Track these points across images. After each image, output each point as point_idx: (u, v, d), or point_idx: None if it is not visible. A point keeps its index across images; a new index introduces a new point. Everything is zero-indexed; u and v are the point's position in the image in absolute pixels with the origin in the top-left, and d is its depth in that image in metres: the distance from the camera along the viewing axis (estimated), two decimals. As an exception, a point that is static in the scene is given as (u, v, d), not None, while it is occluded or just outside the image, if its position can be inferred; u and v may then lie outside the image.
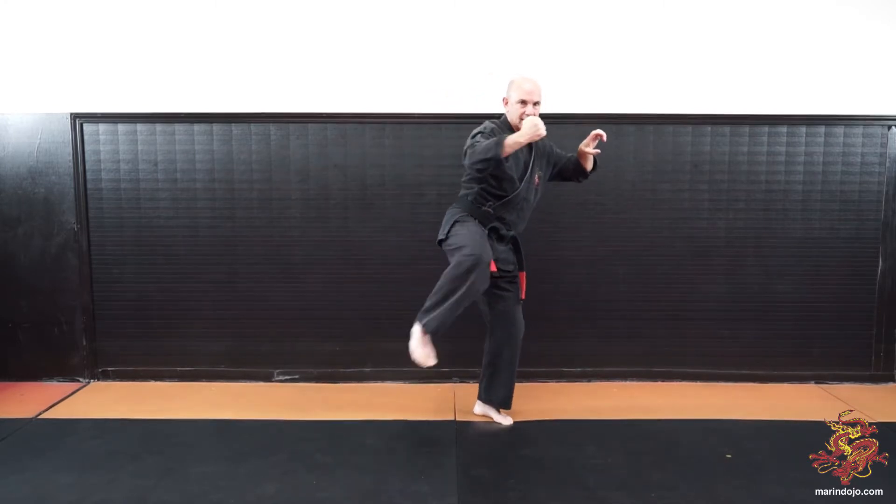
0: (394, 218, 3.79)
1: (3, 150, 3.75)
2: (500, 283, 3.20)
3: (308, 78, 3.71)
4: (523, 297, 3.24)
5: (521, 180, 3.08)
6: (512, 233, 3.17)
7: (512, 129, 3.07)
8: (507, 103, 3.14)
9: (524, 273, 3.25)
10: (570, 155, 3.26)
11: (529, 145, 3.08)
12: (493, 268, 3.04)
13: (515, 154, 3.01)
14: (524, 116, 3.01)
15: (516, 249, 3.23)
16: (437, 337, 3.92)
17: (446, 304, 2.94)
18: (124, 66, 3.71)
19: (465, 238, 3.00)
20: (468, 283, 2.90)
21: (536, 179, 3.17)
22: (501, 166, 2.99)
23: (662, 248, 3.81)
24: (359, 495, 2.55)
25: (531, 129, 2.86)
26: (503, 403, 3.27)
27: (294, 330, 3.85)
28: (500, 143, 2.84)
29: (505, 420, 3.25)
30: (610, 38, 3.70)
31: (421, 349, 2.97)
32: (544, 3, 3.68)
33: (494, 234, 3.12)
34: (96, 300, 3.83)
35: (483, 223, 3.09)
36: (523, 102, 3.04)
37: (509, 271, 3.21)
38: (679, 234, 3.80)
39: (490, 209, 3.10)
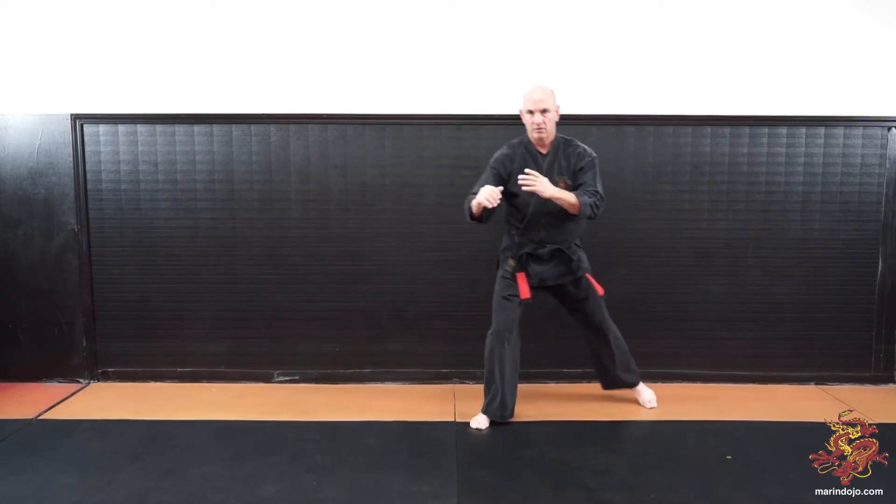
0: (394, 218, 3.79)
1: (3, 150, 3.75)
2: (566, 297, 3.31)
3: (308, 78, 3.71)
4: (601, 292, 3.27)
5: (532, 196, 3.07)
6: (548, 248, 3.17)
7: (532, 143, 3.17)
8: (522, 115, 3.18)
9: (587, 275, 3.26)
10: (581, 184, 3.13)
11: (537, 158, 3.14)
12: (527, 294, 3.16)
13: (523, 171, 3.01)
14: (533, 126, 3.09)
15: (567, 259, 3.20)
16: (440, 338, 3.92)
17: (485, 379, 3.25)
18: (124, 67, 3.71)
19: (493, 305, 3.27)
20: (488, 351, 3.21)
21: (563, 187, 3.08)
22: (509, 194, 3.11)
23: (662, 249, 3.81)
24: (359, 495, 2.55)
25: (481, 194, 2.94)
26: (634, 383, 3.45)
27: (294, 330, 3.85)
28: (468, 210, 3.08)
29: (646, 392, 3.46)
30: (609, 38, 3.71)
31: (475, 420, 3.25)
32: (544, 3, 3.69)
33: (531, 258, 3.19)
34: (96, 301, 3.83)
35: (516, 252, 3.19)
36: (531, 112, 3.09)
37: (566, 283, 3.24)
38: (679, 235, 3.80)
39: (516, 236, 3.20)
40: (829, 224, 3.79)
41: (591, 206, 3.03)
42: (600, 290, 3.27)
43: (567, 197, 3.01)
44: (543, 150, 3.17)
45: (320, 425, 3.22)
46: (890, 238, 3.80)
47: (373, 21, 3.70)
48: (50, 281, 3.81)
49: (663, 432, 3.16)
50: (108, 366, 3.88)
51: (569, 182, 3.12)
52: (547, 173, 3.07)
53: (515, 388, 3.24)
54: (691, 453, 2.93)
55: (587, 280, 3.27)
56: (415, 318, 3.84)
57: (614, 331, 3.36)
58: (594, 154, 3.18)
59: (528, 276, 3.19)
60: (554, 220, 3.14)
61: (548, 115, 3.07)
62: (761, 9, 3.69)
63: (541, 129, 3.09)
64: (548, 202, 3.05)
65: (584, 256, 3.29)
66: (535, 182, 2.94)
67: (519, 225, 3.19)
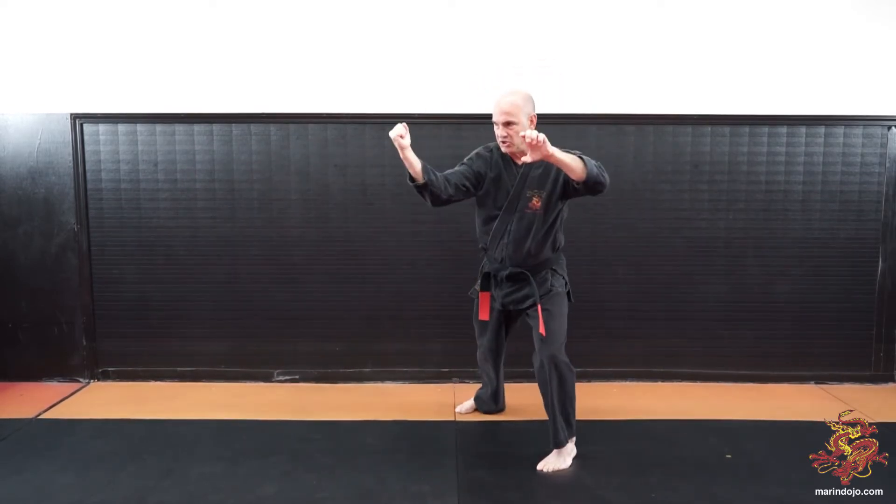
0: (394, 218, 3.79)
1: (3, 150, 3.75)
2: (527, 321, 2.97)
3: (308, 78, 3.71)
4: (542, 332, 2.77)
5: (503, 210, 2.84)
6: (508, 271, 2.89)
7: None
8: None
9: (539, 306, 2.82)
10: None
11: (510, 168, 2.83)
12: (486, 316, 3.06)
13: (498, 180, 2.82)
14: (499, 140, 2.78)
15: (530, 283, 2.87)
16: (440, 338, 3.92)
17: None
18: (124, 67, 3.71)
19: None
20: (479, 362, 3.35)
21: (535, 203, 2.79)
22: (477, 195, 2.89)
23: (662, 248, 3.81)
24: (359, 495, 2.55)
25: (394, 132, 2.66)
26: (555, 443, 2.81)
27: (294, 330, 3.85)
28: (408, 176, 2.82)
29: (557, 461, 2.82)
30: (609, 38, 3.70)
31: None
32: (544, 3, 3.69)
33: (493, 280, 3.00)
34: (96, 300, 3.83)
35: (480, 271, 3.08)
36: (496, 125, 2.76)
37: (526, 307, 2.92)
38: (679, 235, 3.80)
39: (484, 250, 3.02)
40: (829, 223, 3.79)
41: (599, 168, 2.58)
42: (541, 330, 2.78)
43: (567, 159, 2.49)
44: (517, 160, 2.82)
45: (320, 425, 3.22)
46: (890, 237, 3.80)
47: (373, 21, 3.70)
48: (50, 280, 3.81)
49: (663, 432, 3.16)
50: (108, 365, 3.88)
51: (543, 196, 2.77)
52: (518, 187, 2.80)
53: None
54: (691, 453, 2.93)
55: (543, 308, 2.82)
56: (415, 318, 3.85)
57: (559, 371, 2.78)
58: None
59: (493, 297, 3.02)
60: (521, 239, 2.83)
61: (513, 128, 2.69)
62: (761, 8, 3.69)
63: (508, 145, 2.76)
64: (509, 221, 2.83)
65: (558, 283, 2.89)
66: (537, 140, 2.38)
67: (486, 239, 2.94)
